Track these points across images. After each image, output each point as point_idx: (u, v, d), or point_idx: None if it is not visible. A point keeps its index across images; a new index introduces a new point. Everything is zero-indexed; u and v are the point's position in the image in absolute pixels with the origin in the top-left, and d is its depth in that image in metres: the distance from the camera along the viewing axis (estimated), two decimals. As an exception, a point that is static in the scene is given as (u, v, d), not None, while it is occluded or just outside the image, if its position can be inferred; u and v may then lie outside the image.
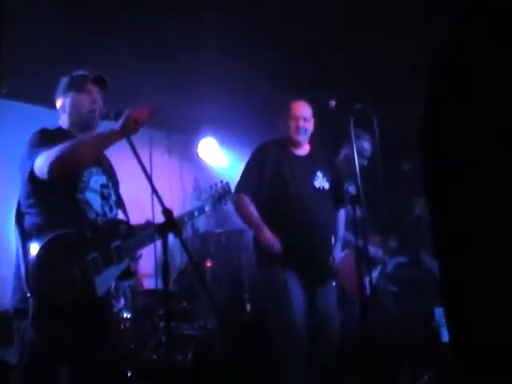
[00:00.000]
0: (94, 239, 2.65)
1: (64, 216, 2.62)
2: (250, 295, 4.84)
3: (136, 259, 4.27)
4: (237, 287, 5.00)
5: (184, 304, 4.52)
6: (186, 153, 6.76)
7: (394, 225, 4.92)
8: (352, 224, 3.21)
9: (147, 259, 4.96)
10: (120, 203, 2.99)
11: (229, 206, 6.79)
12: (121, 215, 2.97)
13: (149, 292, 4.50)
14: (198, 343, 4.05)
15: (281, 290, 3.46)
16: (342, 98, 3.41)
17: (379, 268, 4.56)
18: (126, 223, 2.91)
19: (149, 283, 4.91)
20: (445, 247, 0.82)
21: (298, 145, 3.80)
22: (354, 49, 4.67)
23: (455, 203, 0.80)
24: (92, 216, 2.71)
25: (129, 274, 2.88)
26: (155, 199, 2.51)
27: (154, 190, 2.46)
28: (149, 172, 2.57)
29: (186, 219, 3.11)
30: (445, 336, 4.82)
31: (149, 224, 3.03)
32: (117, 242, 2.75)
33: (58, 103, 2.89)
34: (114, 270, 2.74)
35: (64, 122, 2.87)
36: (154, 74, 4.91)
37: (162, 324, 4.16)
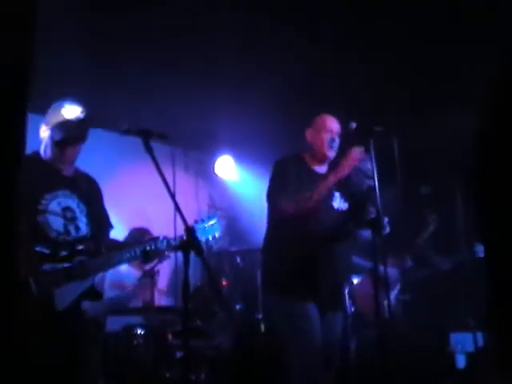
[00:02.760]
0: (53, 254, 2.72)
1: (26, 237, 2.66)
2: (265, 315, 4.80)
3: (153, 275, 4.28)
4: (251, 307, 4.96)
5: (198, 322, 4.50)
6: (202, 170, 6.78)
7: (409, 244, 4.91)
8: (370, 248, 3.18)
9: (162, 276, 4.96)
10: (98, 222, 3.05)
11: (244, 224, 6.88)
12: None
13: (163, 309, 4.48)
14: (212, 363, 4.02)
15: (300, 320, 3.27)
16: (361, 121, 3.41)
17: (397, 289, 4.54)
18: (96, 241, 2.97)
19: (162, 300, 4.89)
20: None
21: (324, 160, 3.60)
22: (373, 70, 4.70)
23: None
24: (53, 235, 2.80)
25: (94, 294, 2.89)
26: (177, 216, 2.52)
27: (178, 209, 2.46)
28: (172, 190, 2.59)
29: (164, 246, 3.07)
30: (461, 363, 4.78)
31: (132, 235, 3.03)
32: (81, 258, 2.79)
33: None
34: (77, 287, 2.77)
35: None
36: (172, 92, 4.96)
37: (175, 341, 4.14)
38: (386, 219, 3.34)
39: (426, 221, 4.91)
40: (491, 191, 0.86)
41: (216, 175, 6.79)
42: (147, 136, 2.63)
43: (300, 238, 3.36)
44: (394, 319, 4.31)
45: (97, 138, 5.18)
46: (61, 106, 2.96)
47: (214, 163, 6.73)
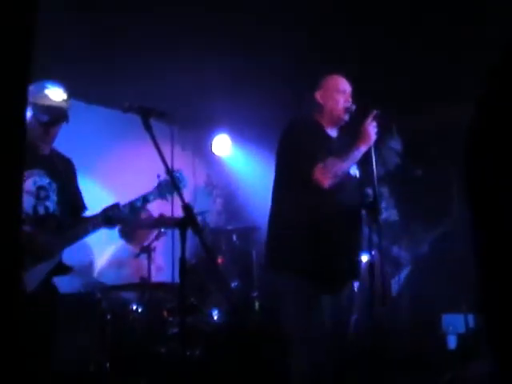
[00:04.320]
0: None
1: None
2: (260, 293, 4.84)
3: (149, 252, 4.31)
4: (247, 284, 5.00)
5: (192, 299, 4.54)
6: (199, 148, 6.77)
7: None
8: (374, 226, 3.19)
9: (162, 252, 4.99)
10: (65, 202, 3.06)
11: (240, 202, 6.90)
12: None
13: (159, 285, 4.51)
14: (206, 339, 4.07)
15: (302, 305, 3.15)
16: (360, 103, 3.40)
17: (408, 269, 4.55)
18: (58, 218, 2.98)
19: (159, 277, 4.93)
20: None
21: (338, 123, 3.42)
22: (373, 57, 4.69)
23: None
24: None
25: (63, 269, 2.93)
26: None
27: (176, 186, 2.48)
28: (170, 168, 2.60)
29: (126, 211, 3.10)
30: (452, 344, 4.84)
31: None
32: (45, 238, 2.81)
33: None
34: (44, 266, 2.80)
35: None
36: (168, 71, 4.95)
37: (171, 318, 4.18)
38: (383, 204, 3.35)
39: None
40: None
41: (213, 154, 6.78)
42: (147, 114, 2.63)
43: (320, 206, 3.20)
44: (396, 300, 4.37)
45: (95, 114, 5.27)
46: (44, 87, 2.98)
47: (211, 142, 6.72)
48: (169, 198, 3.18)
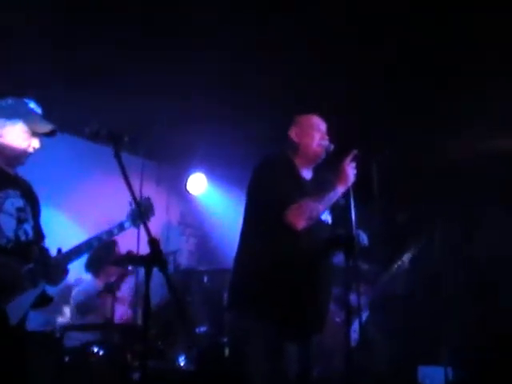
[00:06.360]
0: (2, 265, 2.51)
1: None
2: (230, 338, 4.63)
3: (113, 290, 4.10)
4: (216, 329, 4.78)
5: (159, 343, 4.32)
6: (174, 185, 6.64)
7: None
8: (346, 273, 3.01)
9: (124, 292, 4.78)
10: (38, 229, 2.87)
11: (214, 244, 6.74)
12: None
13: (123, 327, 4.29)
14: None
15: (261, 349, 2.93)
16: (339, 143, 3.29)
17: (364, 315, 4.41)
18: (40, 246, 2.79)
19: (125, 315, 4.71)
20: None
21: (313, 162, 3.28)
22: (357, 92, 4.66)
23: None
24: (2, 242, 2.58)
25: (45, 300, 2.74)
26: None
27: (145, 214, 2.32)
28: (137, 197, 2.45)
29: (104, 237, 2.95)
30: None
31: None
32: (29, 266, 2.62)
33: None
34: (28, 296, 2.60)
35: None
36: (148, 104, 4.86)
37: (134, 362, 3.94)
38: (361, 234, 3.19)
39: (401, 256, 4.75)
40: None
41: (188, 192, 6.65)
42: (117, 141, 2.47)
43: (289, 249, 3.00)
44: (363, 348, 4.18)
45: (63, 143, 5.11)
46: (28, 102, 2.83)
47: (186, 179, 6.60)
48: (140, 226, 2.97)
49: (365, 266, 4.38)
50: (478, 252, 5.64)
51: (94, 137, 2.55)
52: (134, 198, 2.42)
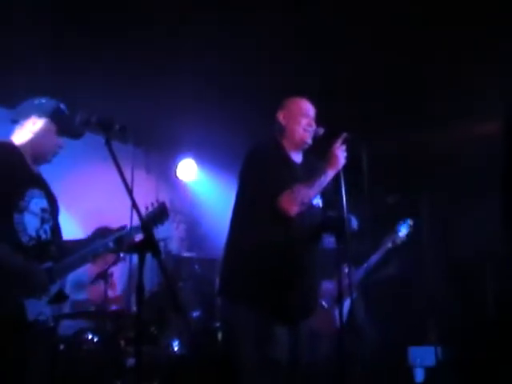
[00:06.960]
0: (24, 263, 2.54)
1: None
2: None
3: (106, 278, 4.11)
4: (208, 314, 4.82)
5: (152, 329, 4.34)
6: (163, 172, 6.63)
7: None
8: (337, 256, 3.03)
9: (117, 279, 4.78)
10: (57, 229, 2.89)
11: (204, 231, 6.74)
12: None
13: (116, 313, 4.30)
14: (165, 371, 3.87)
15: (251, 336, 2.93)
16: (329, 126, 3.28)
17: (352, 297, 4.44)
18: (57, 244, 2.81)
19: (116, 305, 4.71)
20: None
21: (301, 147, 3.26)
22: (344, 77, 4.66)
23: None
24: (25, 239, 2.61)
25: (61, 296, 2.76)
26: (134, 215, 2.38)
27: (135, 206, 2.32)
28: (130, 187, 2.44)
29: (101, 251, 2.92)
30: (419, 377, 4.73)
31: (96, 234, 2.91)
32: (47, 265, 2.66)
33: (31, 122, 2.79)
34: (46, 294, 2.63)
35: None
36: (136, 91, 4.85)
37: (128, 348, 3.97)
38: (352, 219, 3.19)
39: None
40: None
41: (178, 178, 6.64)
42: (108, 129, 2.47)
43: (281, 236, 3.01)
44: (351, 331, 4.22)
45: None
46: (59, 103, 2.87)
47: (176, 166, 6.59)
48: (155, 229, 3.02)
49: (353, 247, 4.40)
50: (463, 238, 5.67)
51: (85, 125, 2.55)
52: (129, 193, 2.38)
